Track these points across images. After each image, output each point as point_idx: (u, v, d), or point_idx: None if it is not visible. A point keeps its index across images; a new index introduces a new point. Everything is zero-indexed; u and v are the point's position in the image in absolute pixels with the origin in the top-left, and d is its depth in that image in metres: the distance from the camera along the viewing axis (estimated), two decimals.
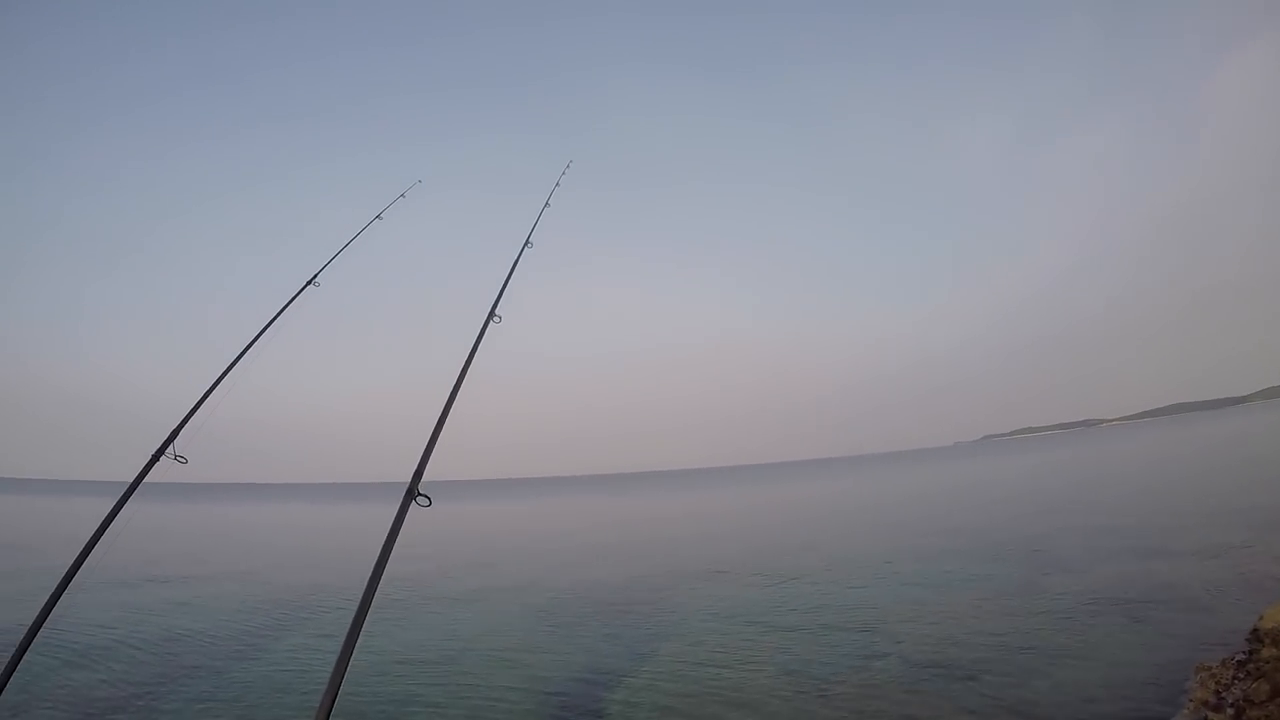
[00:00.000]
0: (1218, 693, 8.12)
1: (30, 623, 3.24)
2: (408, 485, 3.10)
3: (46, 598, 3.31)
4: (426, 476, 3.35)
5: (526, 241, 6.80)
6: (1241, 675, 8.21)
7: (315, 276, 6.75)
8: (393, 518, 2.96)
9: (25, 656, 3.17)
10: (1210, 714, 7.77)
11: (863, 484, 75.99)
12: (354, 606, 2.55)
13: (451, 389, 4.00)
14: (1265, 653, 8.10)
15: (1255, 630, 8.74)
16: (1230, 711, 7.55)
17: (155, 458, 4.37)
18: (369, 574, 2.65)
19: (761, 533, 33.88)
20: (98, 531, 3.78)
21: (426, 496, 3.12)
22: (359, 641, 2.46)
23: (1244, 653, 8.71)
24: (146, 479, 4.30)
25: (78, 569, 3.51)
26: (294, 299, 6.28)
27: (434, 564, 24.44)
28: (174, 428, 4.53)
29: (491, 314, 5.15)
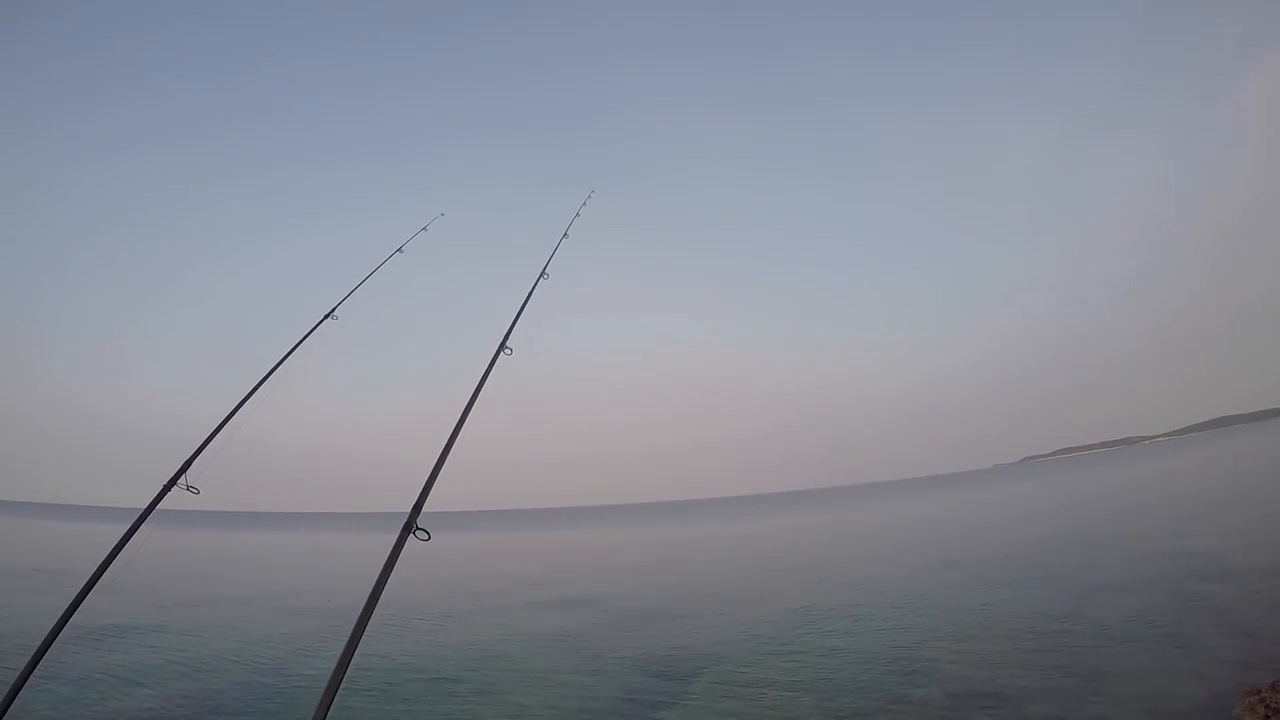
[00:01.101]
0: (1267, 717, 7.81)
1: (37, 646, 3.30)
2: (406, 518, 3.08)
3: (54, 622, 3.36)
4: (429, 508, 3.34)
5: (542, 273, 6.81)
6: None
7: (334, 310, 6.82)
8: (390, 551, 2.95)
9: (30, 677, 3.23)
10: None
11: (899, 509, 74.71)
12: (342, 644, 2.52)
13: (457, 421, 3.99)
14: None
15: None
16: None
17: (166, 488, 4.43)
18: (361, 609, 2.63)
19: (795, 559, 33.41)
20: (106, 559, 3.83)
21: (425, 530, 3.10)
22: (346, 676, 2.43)
23: None
24: (162, 506, 4.36)
25: (85, 595, 3.56)
26: (311, 332, 6.36)
27: (447, 594, 24.40)
28: (187, 458, 4.59)
29: (502, 345, 5.14)
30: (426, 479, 3.44)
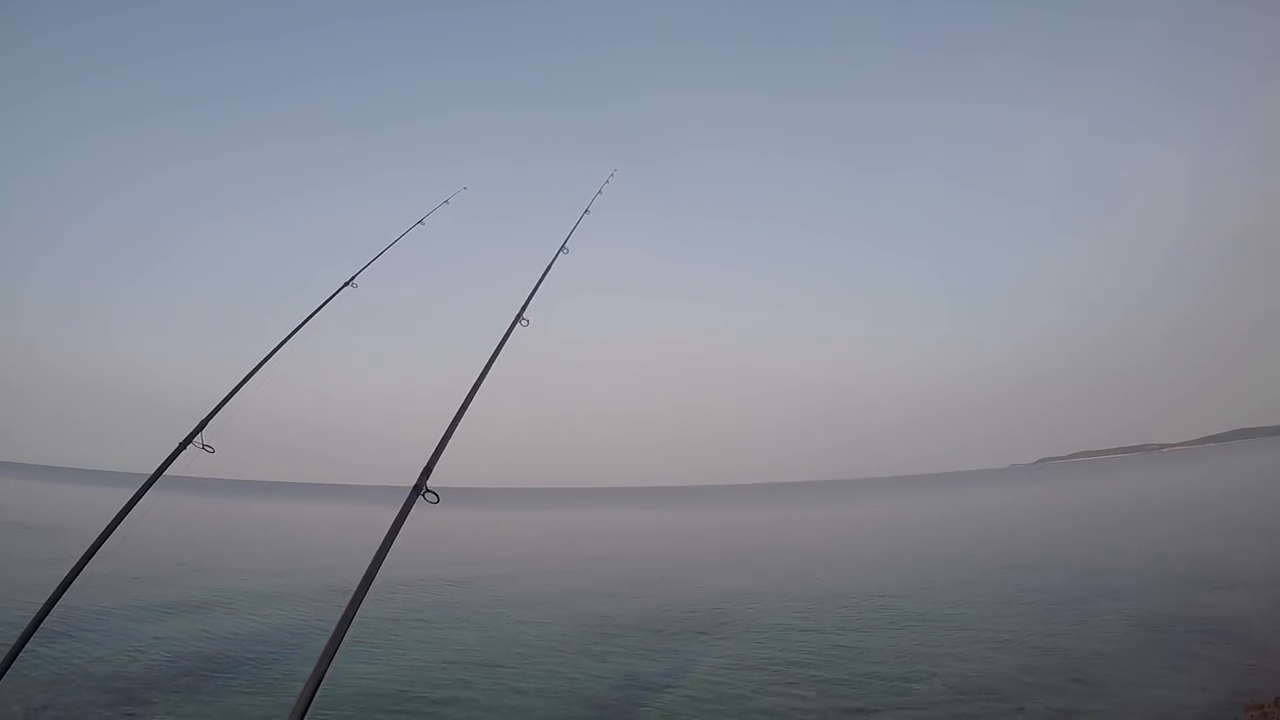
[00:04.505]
0: None
1: (39, 607, 3.29)
2: (416, 481, 3.08)
3: (56, 584, 3.36)
4: (445, 483, 3.32)
5: (562, 247, 6.78)
6: None
7: (354, 278, 6.84)
8: (398, 515, 2.94)
9: (30, 641, 3.23)
10: None
11: (911, 504, 74.31)
12: (345, 604, 2.51)
13: (471, 387, 3.98)
14: None
15: None
16: None
17: (181, 446, 4.46)
18: (366, 568, 2.62)
19: (803, 550, 33.34)
20: (115, 520, 3.85)
21: (434, 494, 3.10)
22: (348, 636, 2.43)
23: None
24: (175, 471, 4.39)
25: (90, 557, 3.58)
26: (330, 299, 6.38)
27: (457, 567, 24.57)
28: (203, 418, 4.62)
29: (519, 317, 5.12)
30: (438, 443, 3.44)
